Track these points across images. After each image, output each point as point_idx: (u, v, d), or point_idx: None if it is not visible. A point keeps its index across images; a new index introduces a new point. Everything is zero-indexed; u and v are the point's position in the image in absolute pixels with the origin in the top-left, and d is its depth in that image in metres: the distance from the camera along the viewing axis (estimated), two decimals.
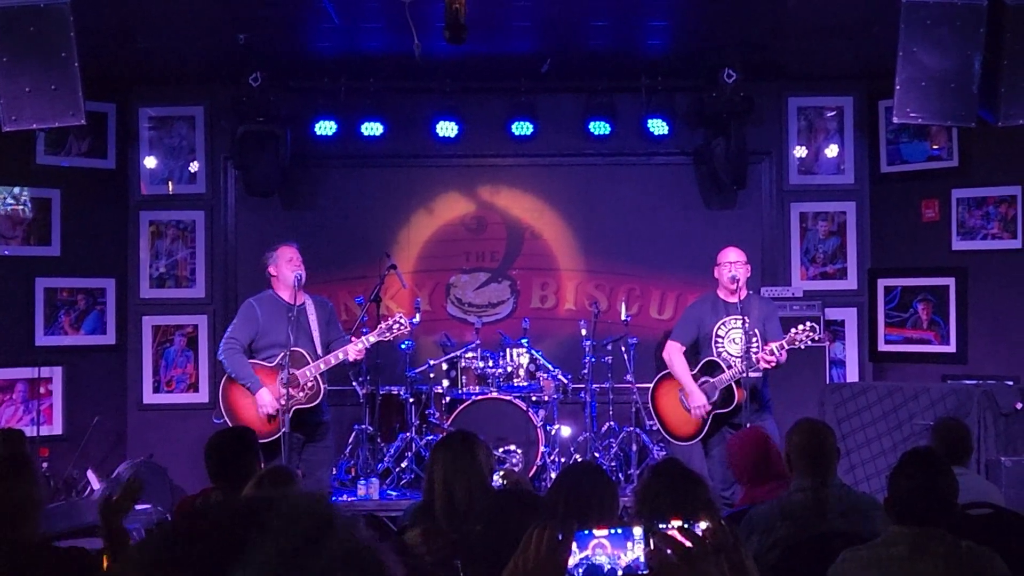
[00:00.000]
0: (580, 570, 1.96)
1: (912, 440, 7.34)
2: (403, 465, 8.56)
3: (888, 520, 3.61)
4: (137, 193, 9.44)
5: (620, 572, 1.96)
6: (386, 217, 9.65)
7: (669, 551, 1.89)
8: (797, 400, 8.10)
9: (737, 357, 7.21)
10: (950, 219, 8.95)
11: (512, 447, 8.19)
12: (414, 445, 8.55)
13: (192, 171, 9.48)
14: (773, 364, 7.05)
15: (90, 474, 8.47)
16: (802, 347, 7.14)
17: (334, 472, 8.23)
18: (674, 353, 7.56)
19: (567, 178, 9.74)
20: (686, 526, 1.95)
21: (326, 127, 9.19)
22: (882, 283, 9.37)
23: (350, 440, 8.80)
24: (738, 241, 7.94)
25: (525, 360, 8.69)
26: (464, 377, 8.66)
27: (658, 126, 9.27)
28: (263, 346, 7.17)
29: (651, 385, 7.82)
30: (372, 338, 7.19)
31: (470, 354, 8.68)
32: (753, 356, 7.08)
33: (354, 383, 8.71)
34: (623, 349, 8.79)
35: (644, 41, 8.82)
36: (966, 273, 8.90)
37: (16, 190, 8.93)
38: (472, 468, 4.23)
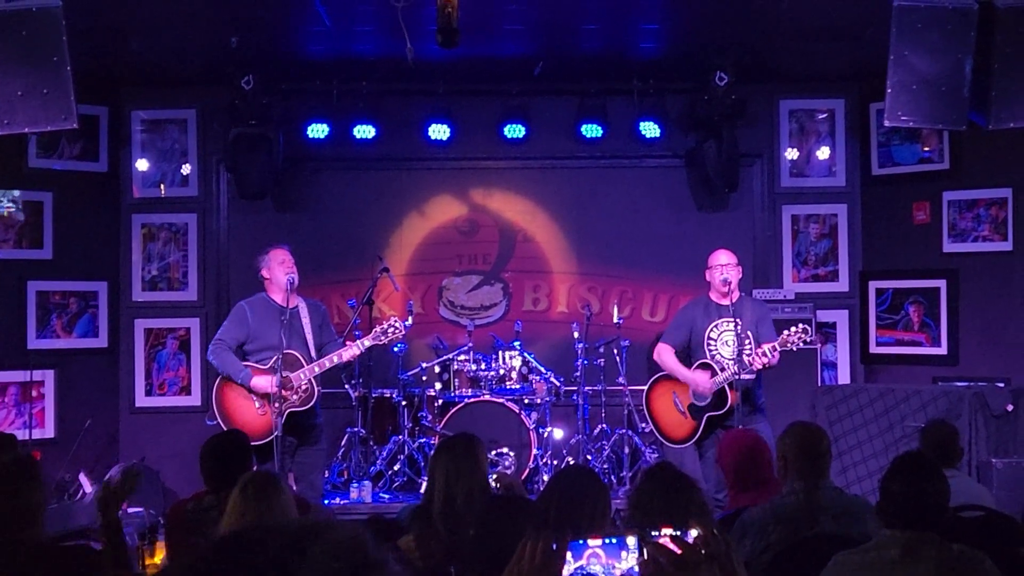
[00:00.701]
0: None
1: (904, 442, 7.37)
2: (396, 468, 8.56)
3: (880, 523, 3.62)
4: (129, 196, 9.43)
5: None
6: (378, 220, 9.65)
7: (663, 560, 1.90)
8: (789, 402, 8.12)
9: (730, 359, 7.22)
10: (941, 221, 8.98)
11: (504, 450, 8.19)
12: (407, 448, 8.55)
13: (184, 174, 9.47)
14: (766, 366, 7.07)
15: (82, 477, 8.45)
16: (794, 349, 7.15)
17: (327, 475, 8.22)
18: (664, 351, 7.58)
19: (559, 181, 9.75)
20: (678, 534, 1.96)
21: (318, 130, 9.19)
22: (873, 285, 9.39)
23: (342, 443, 8.79)
24: (730, 243, 7.95)
25: (517, 363, 8.70)
26: (456, 380, 8.67)
27: (650, 129, 9.28)
28: (256, 349, 7.17)
29: (645, 388, 7.83)
30: (366, 342, 7.19)
31: (462, 357, 8.69)
32: (746, 358, 7.09)
33: (346, 386, 8.71)
34: (615, 351, 8.80)
35: (636, 44, 8.83)
36: (957, 275, 8.92)
37: (9, 193, 8.92)
38: (474, 472, 4.24)
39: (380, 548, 1.34)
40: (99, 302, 9.27)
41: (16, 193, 8.96)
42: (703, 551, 1.94)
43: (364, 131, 9.21)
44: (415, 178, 9.73)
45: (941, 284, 8.99)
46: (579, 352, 8.70)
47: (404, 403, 8.68)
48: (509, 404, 8.37)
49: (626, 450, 8.60)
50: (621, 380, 8.70)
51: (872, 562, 3.48)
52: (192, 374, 9.38)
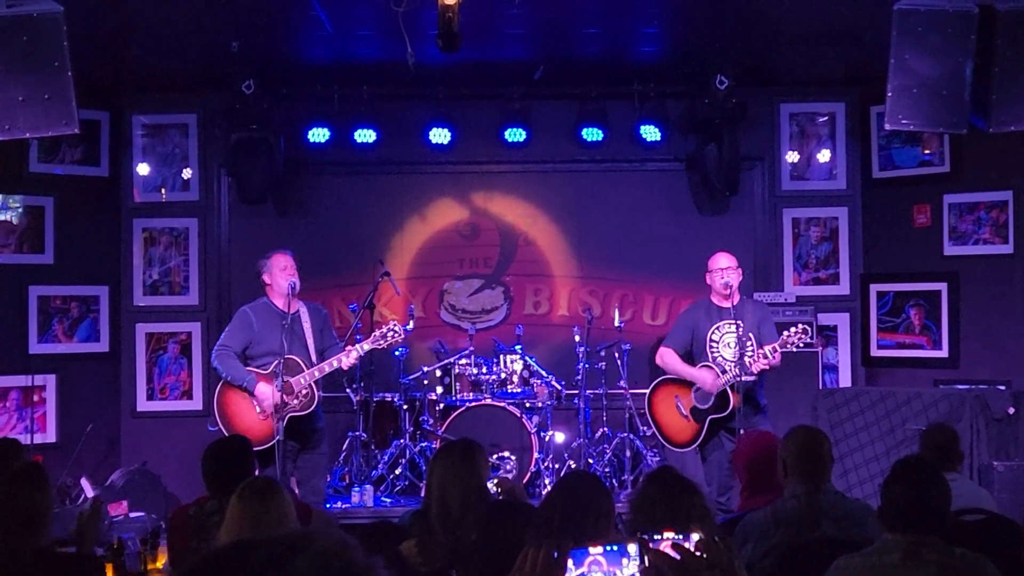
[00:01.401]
0: None
1: (905, 445, 7.37)
2: (397, 472, 8.56)
3: (882, 527, 3.62)
4: (130, 200, 9.43)
5: None
6: (380, 224, 9.66)
7: (664, 567, 1.90)
8: (790, 405, 8.13)
9: (731, 362, 7.22)
10: (942, 224, 8.98)
11: (506, 453, 8.20)
12: (408, 452, 8.55)
13: (185, 178, 9.48)
14: (767, 366, 7.08)
15: (84, 482, 8.45)
16: (795, 349, 7.17)
17: (328, 479, 8.22)
18: (667, 354, 7.57)
19: (560, 184, 9.75)
20: (679, 538, 1.96)
21: (319, 134, 9.19)
22: (874, 288, 9.39)
23: (344, 447, 8.80)
24: (731, 247, 7.94)
25: (519, 366, 8.70)
26: (458, 384, 8.67)
27: (650, 132, 9.28)
28: (257, 354, 7.16)
29: (647, 391, 7.82)
30: (366, 346, 7.18)
31: (464, 360, 8.69)
32: (747, 360, 7.09)
33: (348, 390, 8.71)
34: (616, 355, 8.80)
35: (636, 48, 8.84)
36: (958, 278, 8.92)
37: (10, 198, 8.93)
38: (469, 476, 4.25)
39: (368, 555, 1.33)
40: (100, 307, 9.27)
41: (17, 198, 8.96)
42: (704, 557, 1.94)
43: (365, 135, 9.21)
44: (416, 182, 9.74)
45: (942, 287, 8.99)
46: (580, 356, 8.70)
47: (405, 407, 8.69)
48: (510, 408, 8.37)
49: (628, 454, 8.60)
50: (622, 383, 8.70)
51: (874, 566, 3.48)
52: (193, 378, 9.38)
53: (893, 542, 3.50)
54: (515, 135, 9.33)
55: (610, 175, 9.70)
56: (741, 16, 7.84)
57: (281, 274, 7.20)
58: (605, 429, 8.83)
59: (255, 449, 5.60)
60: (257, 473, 5.43)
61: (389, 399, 8.83)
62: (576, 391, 8.76)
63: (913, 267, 9.17)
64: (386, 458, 8.64)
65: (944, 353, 8.98)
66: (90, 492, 8.25)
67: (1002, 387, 7.89)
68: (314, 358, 7.17)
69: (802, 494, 4.40)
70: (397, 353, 8.59)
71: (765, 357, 7.03)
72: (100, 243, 9.32)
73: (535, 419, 8.53)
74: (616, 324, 8.85)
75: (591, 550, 1.97)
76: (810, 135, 9.62)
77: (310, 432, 7.20)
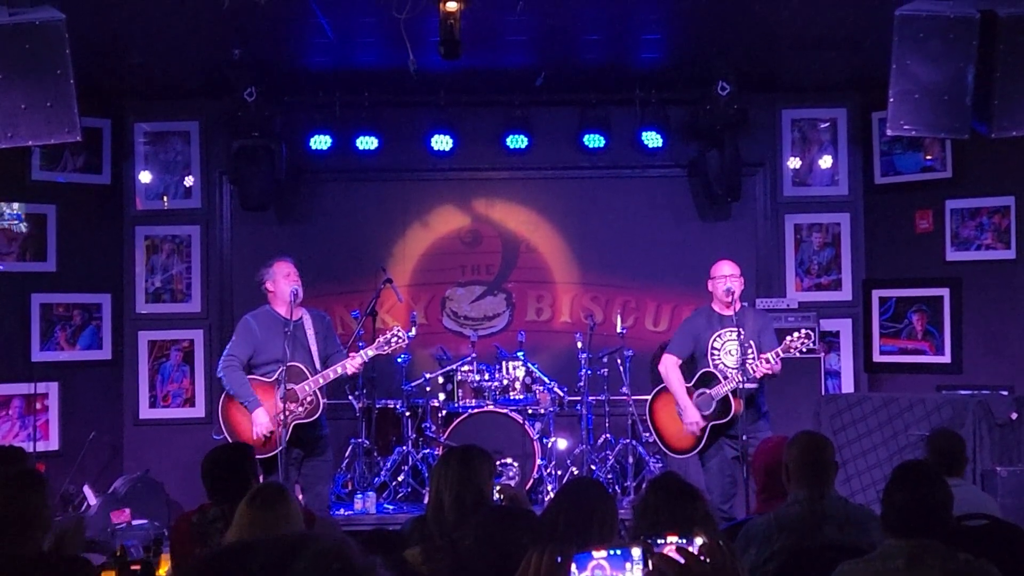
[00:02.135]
0: None
1: (908, 450, 7.36)
2: (400, 479, 8.56)
3: (884, 533, 3.62)
4: (132, 208, 9.45)
5: None
6: (382, 231, 9.67)
7: (668, 571, 1.90)
8: (793, 411, 8.12)
9: (733, 368, 7.21)
10: (944, 230, 8.98)
11: (508, 460, 8.19)
12: (411, 459, 8.55)
13: (187, 186, 9.49)
14: (769, 372, 7.07)
15: (87, 489, 8.46)
16: (797, 354, 7.17)
17: (331, 486, 8.21)
18: (671, 367, 7.54)
19: (562, 191, 9.76)
20: (683, 542, 1.96)
21: (321, 141, 9.20)
22: (877, 294, 9.39)
23: (347, 454, 8.80)
24: (733, 253, 7.94)
25: (521, 373, 8.70)
26: (460, 390, 8.67)
27: (652, 139, 9.29)
28: (261, 362, 7.15)
29: (648, 398, 7.81)
30: (370, 352, 7.17)
31: (466, 367, 8.69)
32: (749, 367, 7.09)
33: (350, 397, 8.72)
34: (619, 361, 8.81)
35: (638, 54, 8.85)
36: (960, 284, 8.92)
37: (12, 206, 8.94)
38: (466, 481, 4.24)
39: (366, 556, 1.34)
40: (103, 314, 9.28)
41: (19, 206, 8.97)
42: (708, 561, 1.94)
43: (367, 142, 9.23)
44: (418, 189, 9.75)
45: (944, 293, 8.99)
46: (582, 362, 8.70)
47: (408, 414, 8.69)
48: (513, 414, 8.37)
49: (630, 460, 8.59)
50: (625, 390, 8.70)
51: (877, 571, 3.47)
52: (196, 386, 9.38)
53: (896, 547, 3.49)
54: (517, 142, 9.33)
55: (612, 181, 9.70)
56: (742, 22, 7.85)
57: (284, 281, 7.19)
58: (608, 435, 8.82)
59: (260, 457, 5.60)
60: (262, 479, 5.42)
61: (392, 406, 8.83)
62: (578, 397, 8.76)
63: (915, 273, 9.17)
64: (389, 465, 8.64)
65: (947, 359, 8.98)
66: (93, 500, 8.25)
67: (1005, 392, 7.88)
68: (318, 365, 7.15)
69: (805, 499, 4.39)
70: (400, 360, 8.59)
71: (768, 362, 7.03)
72: (102, 251, 9.33)
73: (537, 425, 8.53)
74: (618, 330, 8.86)
75: (595, 554, 1.97)
76: (812, 141, 9.63)
77: (314, 439, 7.19)
